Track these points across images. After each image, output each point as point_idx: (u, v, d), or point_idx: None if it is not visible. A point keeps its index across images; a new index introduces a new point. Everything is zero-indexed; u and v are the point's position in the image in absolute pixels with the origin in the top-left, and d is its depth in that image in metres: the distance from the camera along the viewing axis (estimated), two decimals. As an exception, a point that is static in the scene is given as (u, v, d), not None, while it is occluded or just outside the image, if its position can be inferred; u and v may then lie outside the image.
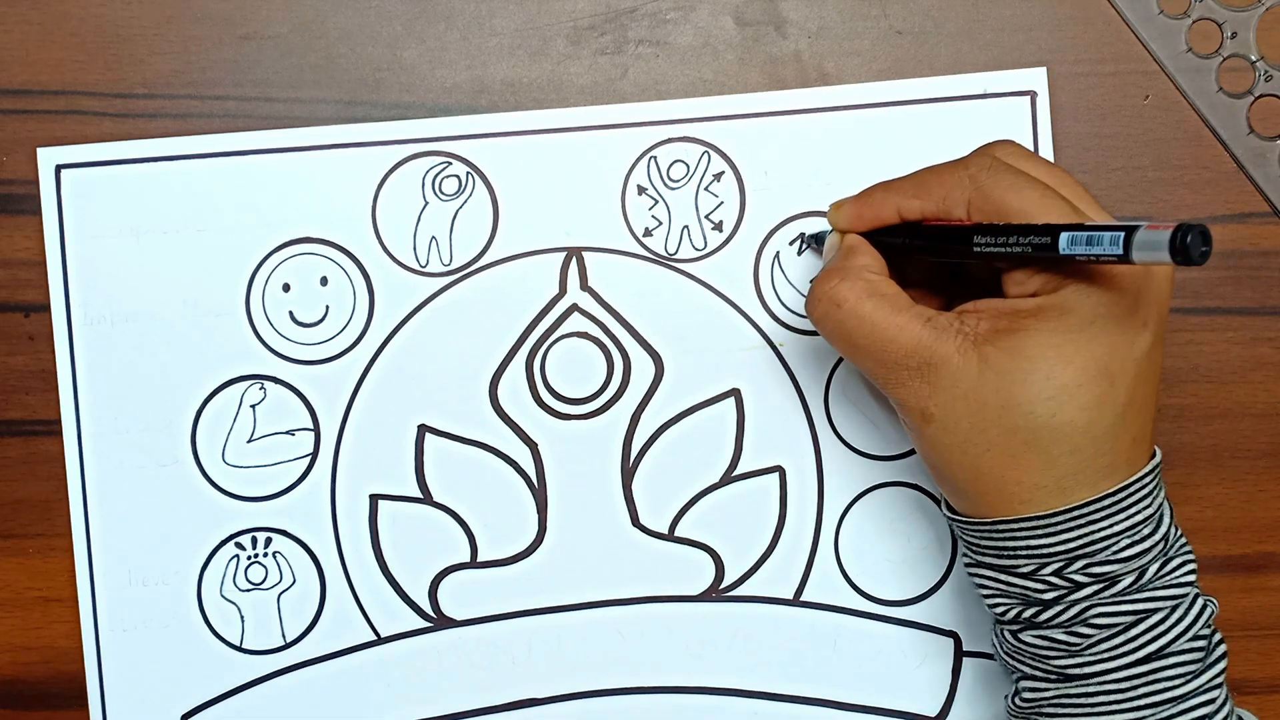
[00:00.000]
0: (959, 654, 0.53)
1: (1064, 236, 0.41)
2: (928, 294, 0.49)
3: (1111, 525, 0.43)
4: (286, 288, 0.53)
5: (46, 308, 0.53)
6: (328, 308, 0.53)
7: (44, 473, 0.53)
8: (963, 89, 0.53)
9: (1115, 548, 0.43)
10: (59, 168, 0.53)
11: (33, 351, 0.54)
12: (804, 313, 0.53)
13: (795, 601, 0.53)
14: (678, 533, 0.53)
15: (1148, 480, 0.44)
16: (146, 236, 0.53)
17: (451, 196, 0.53)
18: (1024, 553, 0.44)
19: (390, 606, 0.53)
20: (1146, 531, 0.44)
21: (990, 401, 0.43)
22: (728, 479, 0.53)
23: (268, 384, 0.53)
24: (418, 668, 0.53)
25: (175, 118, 0.53)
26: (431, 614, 0.53)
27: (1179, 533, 0.45)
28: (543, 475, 0.53)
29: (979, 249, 0.43)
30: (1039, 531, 0.44)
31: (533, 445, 0.53)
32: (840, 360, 0.53)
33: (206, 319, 0.53)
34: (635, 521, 0.53)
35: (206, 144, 0.53)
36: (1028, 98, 0.53)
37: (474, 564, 0.53)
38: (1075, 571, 0.43)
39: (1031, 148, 0.52)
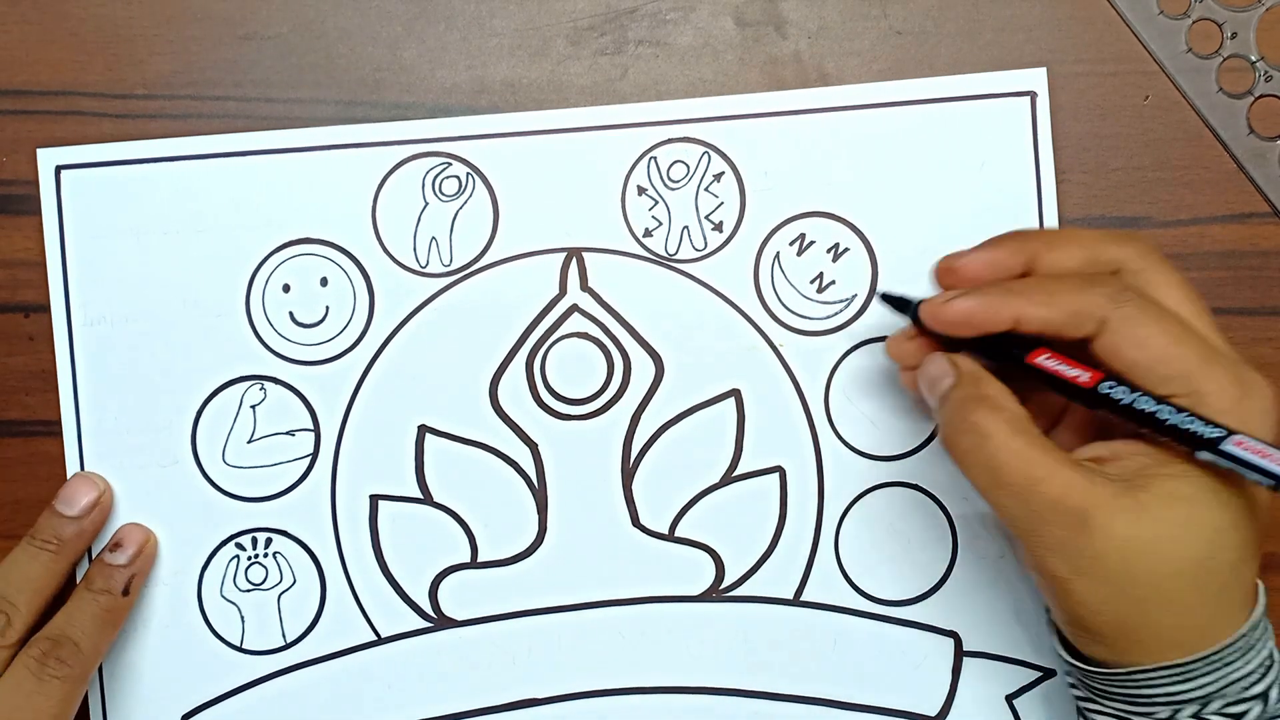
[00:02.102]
0: (959, 654, 0.53)
1: (1231, 444, 0.41)
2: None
3: (1246, 664, 0.43)
4: (286, 288, 0.53)
5: (46, 308, 0.53)
6: (328, 308, 0.53)
7: (44, 473, 0.53)
8: (963, 89, 0.53)
9: (1247, 684, 0.43)
10: (59, 168, 0.53)
11: (33, 351, 0.54)
12: (805, 314, 0.53)
13: (795, 601, 0.53)
14: (678, 533, 0.53)
15: (1264, 614, 0.44)
16: (146, 236, 0.53)
17: (451, 197, 0.53)
18: (1161, 699, 0.43)
19: (390, 607, 0.53)
20: (1270, 664, 0.43)
21: (1149, 548, 0.41)
22: (728, 479, 0.53)
23: (268, 384, 0.53)
24: (418, 668, 0.53)
25: (175, 118, 0.53)
26: (431, 614, 0.53)
27: None
28: (543, 475, 0.53)
29: (1108, 394, 0.42)
30: (1179, 677, 0.43)
31: (533, 445, 0.53)
32: (840, 360, 0.53)
33: (206, 319, 0.53)
34: (635, 521, 0.53)
35: (206, 144, 0.53)
36: (1028, 98, 0.53)
37: (474, 564, 0.53)
38: (1211, 712, 0.43)
39: (1031, 148, 0.52)
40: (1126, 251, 0.45)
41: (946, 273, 0.46)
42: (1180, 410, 0.42)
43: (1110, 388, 0.43)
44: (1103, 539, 0.41)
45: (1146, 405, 0.42)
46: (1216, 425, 0.41)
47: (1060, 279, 0.44)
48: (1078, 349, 0.44)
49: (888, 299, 0.49)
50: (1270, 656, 0.44)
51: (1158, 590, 0.42)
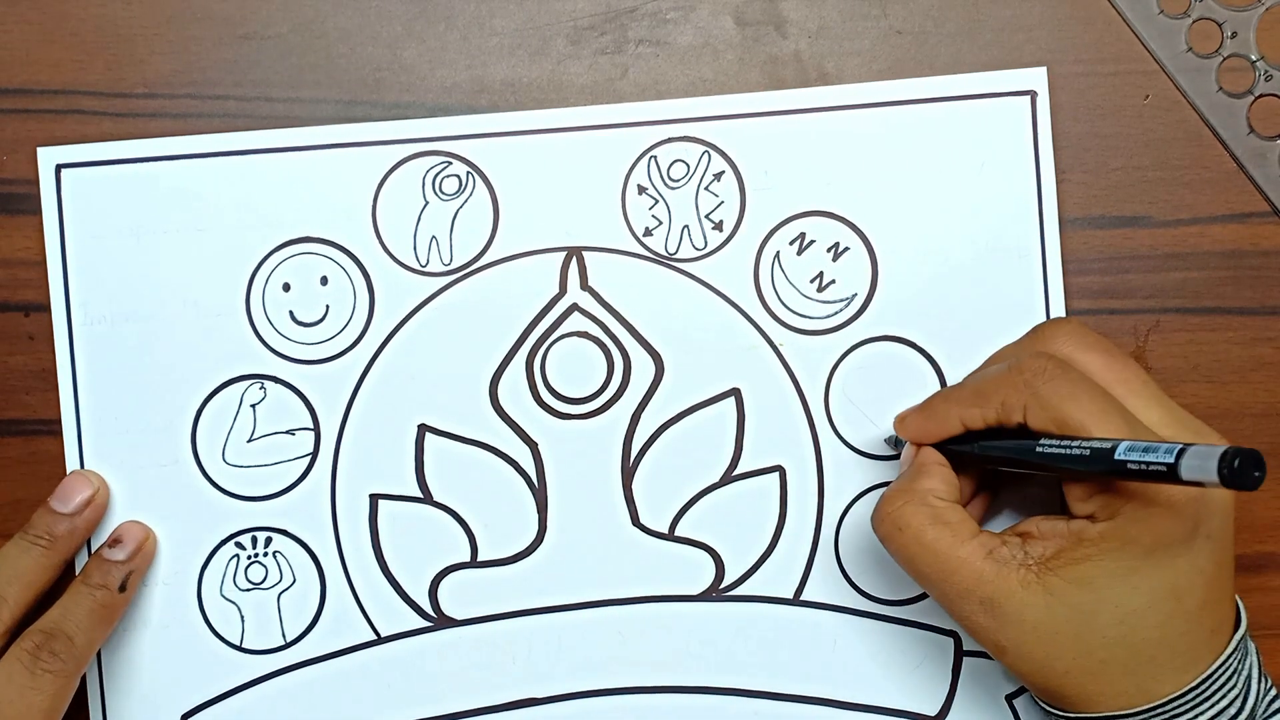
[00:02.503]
0: (959, 654, 0.53)
1: (1122, 444, 0.41)
2: (995, 493, 0.50)
3: (1201, 713, 0.44)
4: (286, 287, 0.53)
5: (46, 308, 0.53)
6: (328, 307, 0.53)
7: (44, 473, 0.53)
8: (963, 89, 0.53)
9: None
10: (59, 167, 0.53)
11: (33, 351, 0.54)
12: (805, 314, 0.53)
13: (795, 601, 0.53)
14: (678, 532, 0.53)
15: (1231, 660, 0.44)
16: (146, 236, 0.53)
17: (452, 196, 0.53)
18: None
19: (390, 606, 0.53)
20: (1233, 711, 0.44)
21: (1061, 631, 0.43)
22: (728, 479, 0.53)
23: (268, 384, 0.53)
24: (418, 668, 0.53)
25: (175, 118, 0.53)
26: (431, 614, 0.53)
27: (1268, 686, 0.46)
28: (543, 475, 0.53)
29: (1042, 450, 0.43)
30: None
31: (533, 445, 0.53)
32: (840, 360, 0.53)
33: (206, 319, 0.53)
34: (635, 521, 0.53)
35: (206, 144, 0.53)
36: (1028, 98, 0.53)
37: (474, 564, 0.53)
38: None
39: (1031, 148, 0.52)
40: (1053, 343, 0.46)
41: (898, 425, 0.50)
42: (1073, 440, 0.42)
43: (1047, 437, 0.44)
44: (1015, 624, 0.44)
45: (1056, 448, 0.43)
46: (1106, 443, 0.41)
47: (986, 375, 0.46)
48: None
49: (890, 442, 0.52)
50: (1234, 702, 0.44)
51: (1077, 664, 0.44)
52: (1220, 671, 0.44)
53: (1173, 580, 0.43)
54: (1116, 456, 0.41)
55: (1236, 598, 0.46)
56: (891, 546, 0.46)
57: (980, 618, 0.44)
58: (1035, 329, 0.48)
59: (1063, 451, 0.43)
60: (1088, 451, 0.42)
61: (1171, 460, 0.39)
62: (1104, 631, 0.43)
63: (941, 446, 0.48)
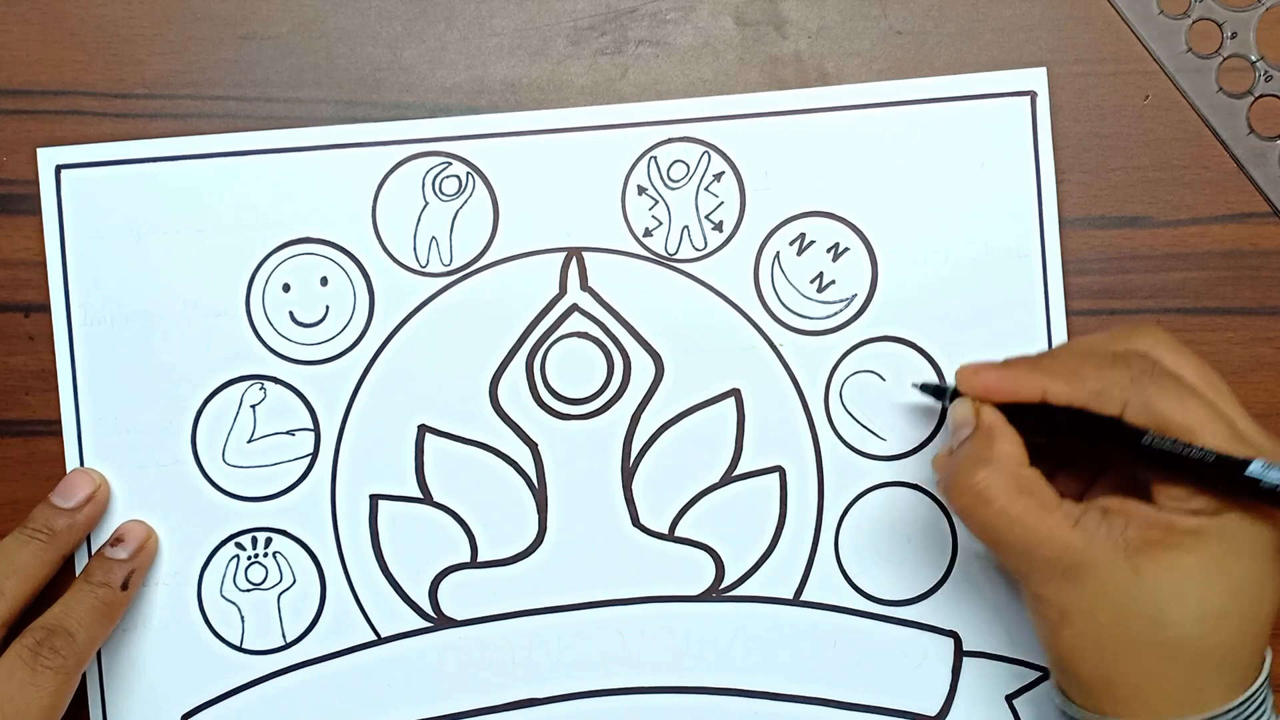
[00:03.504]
0: (959, 654, 0.53)
1: (1258, 463, 0.41)
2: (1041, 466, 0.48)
3: None
4: (286, 288, 0.53)
5: (46, 308, 0.53)
6: (328, 308, 0.53)
7: (44, 473, 0.53)
8: (963, 89, 0.53)
9: None
10: (59, 168, 0.53)
11: (33, 351, 0.54)
12: (805, 314, 0.53)
13: (795, 601, 0.53)
14: (678, 533, 0.53)
15: (1264, 687, 0.44)
16: (146, 236, 0.53)
17: (451, 196, 0.53)
18: None
19: (390, 606, 0.53)
20: None
21: (1140, 613, 0.43)
22: (728, 479, 0.53)
23: (268, 384, 0.53)
24: (418, 668, 0.53)
25: (175, 118, 0.53)
26: (431, 614, 0.53)
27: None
28: (543, 475, 0.53)
29: (1151, 443, 0.43)
30: None
31: (533, 445, 0.53)
32: (840, 360, 0.53)
33: (206, 319, 0.53)
34: (635, 521, 0.53)
35: (206, 144, 0.53)
36: (1028, 98, 0.53)
37: (474, 564, 0.53)
38: None
39: (1031, 148, 0.52)
40: (1142, 343, 0.46)
41: (968, 377, 0.48)
42: (1206, 450, 0.42)
43: (1151, 439, 0.43)
44: (1094, 595, 0.43)
45: (1173, 447, 0.43)
46: (1236, 458, 0.42)
47: (1085, 357, 0.45)
48: None
49: (925, 388, 0.51)
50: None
51: (1141, 655, 0.43)
52: (1260, 691, 0.44)
53: (1258, 586, 0.43)
54: (1249, 473, 0.41)
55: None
56: (974, 518, 0.45)
57: (1059, 584, 0.43)
58: (1121, 328, 0.47)
59: (1179, 453, 0.42)
60: (1212, 458, 0.42)
61: None
62: (1183, 628, 0.42)
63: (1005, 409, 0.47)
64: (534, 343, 0.53)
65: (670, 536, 0.53)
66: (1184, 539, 0.43)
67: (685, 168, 0.53)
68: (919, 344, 0.53)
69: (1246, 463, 0.41)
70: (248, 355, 0.53)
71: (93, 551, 0.53)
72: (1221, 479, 0.42)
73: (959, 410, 0.47)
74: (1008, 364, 0.47)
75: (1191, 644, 0.43)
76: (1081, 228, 0.53)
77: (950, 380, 0.50)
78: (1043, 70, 0.53)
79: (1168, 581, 0.42)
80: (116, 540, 0.52)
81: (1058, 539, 0.43)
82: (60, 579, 0.52)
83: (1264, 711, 0.44)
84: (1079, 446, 0.46)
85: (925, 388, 0.51)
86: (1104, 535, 0.43)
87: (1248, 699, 0.43)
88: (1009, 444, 0.45)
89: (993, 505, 0.44)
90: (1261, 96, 0.53)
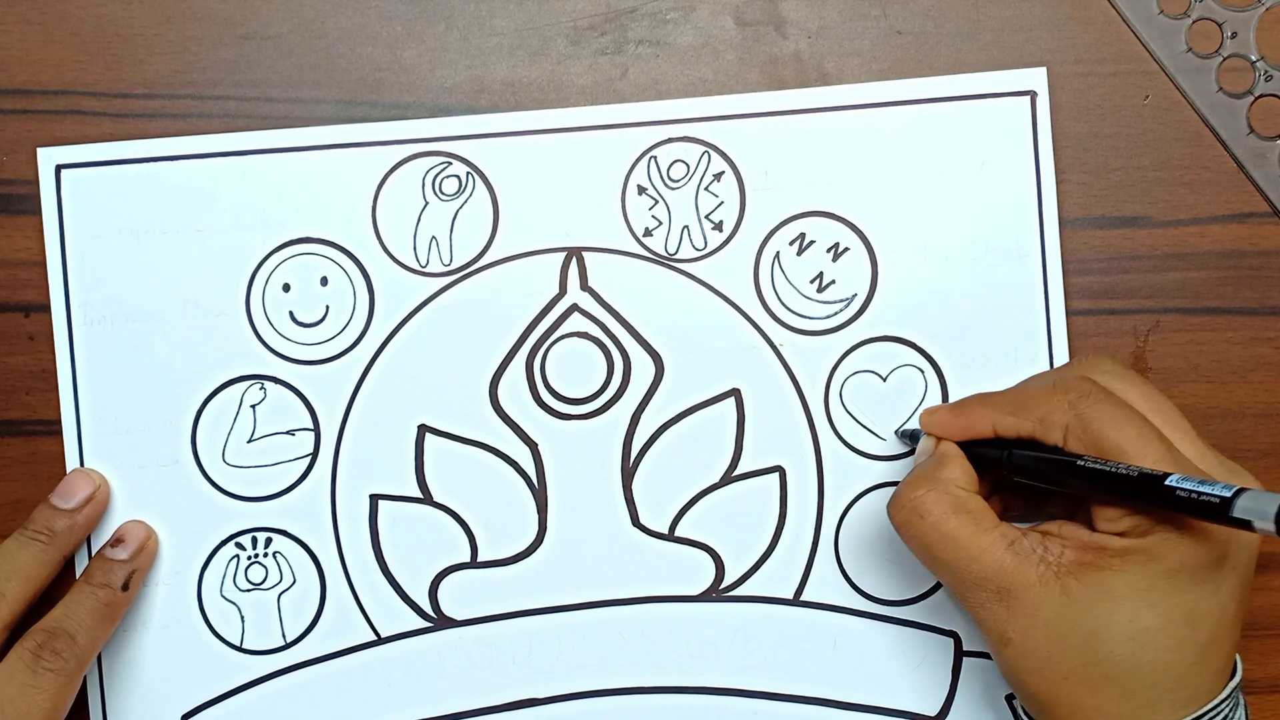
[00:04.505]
0: (959, 654, 0.53)
1: (1174, 476, 0.41)
2: (1008, 497, 0.50)
3: None
4: (286, 288, 0.53)
5: (46, 308, 0.53)
6: (328, 308, 0.53)
7: (44, 473, 0.53)
8: (963, 89, 0.53)
9: None
10: (59, 168, 0.53)
11: (33, 351, 0.54)
12: (805, 314, 0.53)
13: (795, 601, 0.53)
14: (678, 533, 0.53)
15: (1223, 705, 0.44)
16: (146, 236, 0.53)
17: (451, 196, 0.53)
18: None
19: (390, 606, 0.53)
20: None
21: (1071, 634, 0.43)
22: (728, 479, 0.53)
23: (268, 384, 0.53)
24: (418, 668, 0.53)
25: (175, 118, 0.53)
26: (431, 614, 0.53)
27: None
28: (543, 475, 0.53)
29: (1083, 464, 0.44)
30: None
31: (533, 445, 0.53)
32: (840, 360, 0.53)
33: (206, 319, 0.53)
34: (635, 521, 0.53)
35: (206, 144, 0.53)
36: (1028, 98, 0.53)
37: (474, 564, 0.53)
38: None
39: (1031, 148, 0.52)
40: (1090, 370, 0.47)
41: (926, 419, 0.50)
42: (1128, 468, 0.43)
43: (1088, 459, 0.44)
44: (1028, 617, 0.44)
45: (1103, 466, 0.43)
46: (1156, 472, 0.42)
47: (1028, 389, 0.47)
48: None
49: (903, 435, 0.52)
50: None
51: (1076, 676, 0.43)
52: (1213, 712, 0.44)
53: (1191, 606, 0.43)
54: (1167, 483, 0.41)
55: (1238, 663, 0.46)
56: (909, 533, 0.46)
57: (993, 606, 0.44)
58: (1073, 361, 0.48)
59: (1108, 471, 0.43)
60: (1135, 474, 0.42)
61: (1228, 496, 0.40)
62: (1113, 646, 0.43)
63: (963, 448, 0.48)
64: (534, 343, 0.53)
65: (670, 536, 0.53)
66: (1113, 560, 0.43)
67: (685, 168, 0.53)
68: (919, 344, 0.53)
69: (1166, 475, 0.41)
70: (248, 355, 0.53)
71: (93, 552, 0.53)
72: (1144, 493, 0.42)
73: (922, 444, 0.50)
74: (961, 402, 0.49)
75: (1123, 662, 0.43)
76: (1081, 228, 0.53)
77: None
78: (1043, 70, 0.53)
79: (1096, 602, 0.43)
80: (117, 541, 0.52)
81: (989, 558, 0.44)
82: (61, 579, 0.52)
83: None
84: (1041, 483, 0.46)
85: (904, 435, 0.52)
86: (1038, 558, 0.44)
87: (1198, 719, 0.43)
88: (954, 469, 0.47)
89: (927, 520, 0.45)
90: (1261, 96, 0.53)
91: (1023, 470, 0.46)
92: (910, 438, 0.52)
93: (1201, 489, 0.40)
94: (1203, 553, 0.43)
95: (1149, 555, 0.43)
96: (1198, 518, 0.41)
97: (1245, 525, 0.39)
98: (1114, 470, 0.43)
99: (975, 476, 0.47)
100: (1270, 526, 0.38)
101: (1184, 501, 0.41)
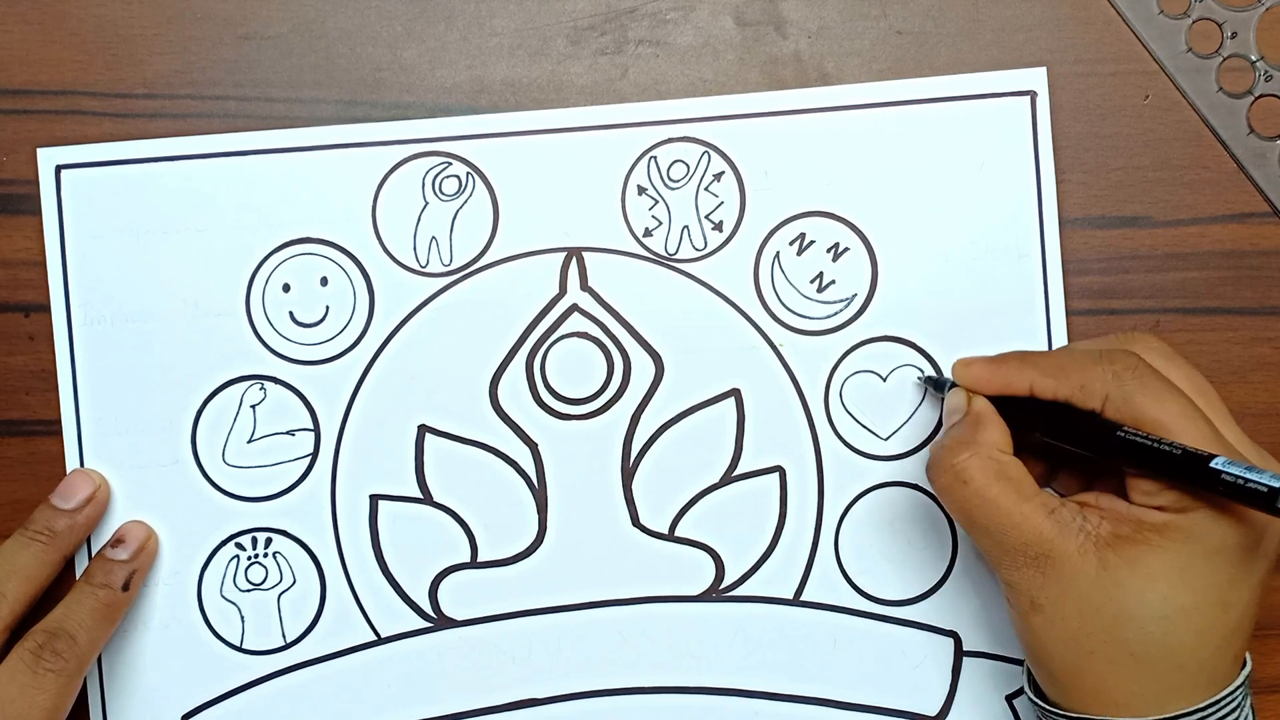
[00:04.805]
0: (959, 654, 0.53)
1: (1220, 459, 0.41)
2: (1032, 460, 0.49)
3: None
4: (286, 288, 0.53)
5: (46, 308, 0.53)
6: (328, 308, 0.53)
7: (44, 473, 0.53)
8: (963, 89, 0.53)
9: None
10: (59, 168, 0.53)
11: (33, 351, 0.54)
12: (805, 314, 0.53)
13: (795, 601, 0.53)
14: (678, 533, 0.53)
15: (1238, 693, 0.44)
16: (146, 236, 0.53)
17: (451, 196, 0.53)
18: None
19: (390, 606, 0.53)
20: None
21: (1104, 607, 0.43)
22: (728, 479, 0.53)
23: (268, 384, 0.53)
24: (418, 668, 0.53)
25: (175, 118, 0.53)
26: (431, 614, 0.53)
27: None
28: (543, 475, 0.53)
29: (1124, 435, 0.43)
30: None
31: (533, 445, 0.53)
32: (840, 360, 0.53)
33: (206, 319, 0.53)
34: (635, 521, 0.53)
35: (206, 144, 0.53)
36: (1028, 98, 0.53)
37: (474, 564, 0.53)
38: None
39: (1031, 148, 0.52)
40: (1134, 345, 0.46)
41: (960, 370, 0.49)
42: (1172, 444, 0.42)
43: (1125, 433, 0.44)
44: (1062, 583, 0.43)
45: (1144, 440, 0.43)
46: (1202, 452, 0.42)
47: (1072, 354, 0.47)
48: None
49: (928, 380, 0.52)
50: None
51: (1105, 650, 0.43)
52: (1229, 700, 0.44)
53: (1226, 589, 0.43)
54: (1212, 465, 0.41)
55: (1248, 656, 0.46)
56: (951, 497, 0.46)
57: (1029, 571, 0.44)
58: (1119, 335, 0.48)
59: (1150, 445, 0.43)
60: (1179, 452, 0.42)
61: (1276, 486, 0.40)
62: (1145, 624, 0.42)
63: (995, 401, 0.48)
64: (534, 343, 0.53)
65: (670, 536, 0.53)
66: (1150, 535, 0.43)
67: (685, 168, 0.53)
68: (919, 344, 0.53)
69: (1212, 456, 0.41)
70: (248, 355, 0.53)
71: (93, 553, 0.53)
72: (1187, 472, 0.42)
73: (952, 399, 0.49)
74: (1000, 357, 0.48)
75: (1153, 641, 0.43)
76: (1081, 228, 0.53)
77: (950, 375, 0.51)
78: (1043, 70, 0.53)
79: (1131, 577, 0.43)
80: (117, 541, 0.52)
81: (1030, 525, 0.44)
82: (61, 580, 0.52)
83: (1237, 718, 0.44)
84: (1073, 446, 0.46)
85: (927, 380, 0.52)
86: (1077, 528, 0.44)
87: (1215, 703, 0.43)
88: (994, 431, 0.46)
89: (970, 485, 0.45)
90: (1261, 96, 0.53)
91: (1058, 432, 0.46)
92: (934, 385, 0.51)
93: (1249, 475, 0.40)
94: (1242, 535, 0.42)
95: (1188, 534, 0.42)
96: (1240, 502, 0.41)
97: None
98: (1157, 445, 0.42)
99: (1010, 437, 0.46)
100: None
101: (1228, 485, 0.40)
